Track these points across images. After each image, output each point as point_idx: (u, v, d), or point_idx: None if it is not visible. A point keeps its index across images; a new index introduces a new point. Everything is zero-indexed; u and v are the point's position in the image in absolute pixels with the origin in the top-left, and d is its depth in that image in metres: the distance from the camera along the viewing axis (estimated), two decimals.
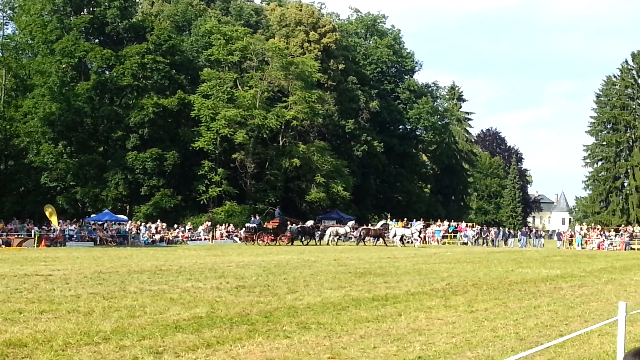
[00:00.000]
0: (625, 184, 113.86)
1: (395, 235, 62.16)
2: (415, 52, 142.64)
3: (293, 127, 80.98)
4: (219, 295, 19.28)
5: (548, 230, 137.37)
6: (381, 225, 65.16)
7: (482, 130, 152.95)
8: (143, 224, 64.62)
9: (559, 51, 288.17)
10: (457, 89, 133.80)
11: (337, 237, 62.84)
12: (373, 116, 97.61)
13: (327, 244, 61.06)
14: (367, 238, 62.02)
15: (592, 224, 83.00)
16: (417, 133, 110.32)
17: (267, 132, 76.79)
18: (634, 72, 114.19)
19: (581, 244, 66.34)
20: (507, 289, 22.75)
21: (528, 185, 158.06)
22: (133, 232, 60.78)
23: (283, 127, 79.48)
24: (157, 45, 75.62)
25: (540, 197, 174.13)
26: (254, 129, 75.57)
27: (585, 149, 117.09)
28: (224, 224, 69.15)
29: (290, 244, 58.50)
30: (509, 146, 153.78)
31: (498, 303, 19.07)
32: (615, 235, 67.94)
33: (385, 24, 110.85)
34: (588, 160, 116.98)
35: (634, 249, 61.80)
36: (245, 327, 13.99)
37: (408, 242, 61.37)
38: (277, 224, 60.40)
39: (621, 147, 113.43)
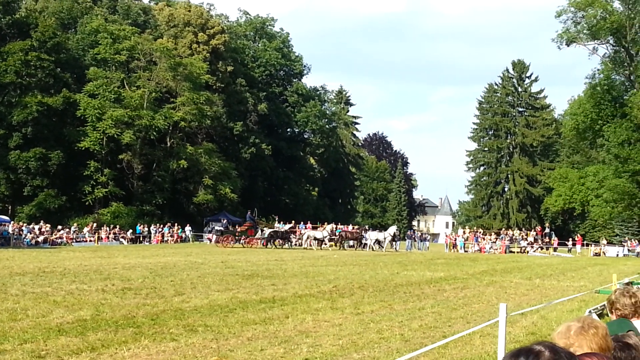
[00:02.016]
0: (506, 189, 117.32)
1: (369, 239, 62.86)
2: (304, 56, 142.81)
3: (181, 129, 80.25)
4: (104, 297, 18.99)
5: (432, 234, 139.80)
6: (358, 229, 65.44)
7: (368, 135, 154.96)
8: (26, 224, 62.90)
9: (443, 58, 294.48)
10: (344, 93, 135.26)
11: (315, 241, 62.28)
12: (261, 119, 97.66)
13: (304, 248, 60.58)
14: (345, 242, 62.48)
15: (475, 228, 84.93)
16: (305, 136, 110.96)
17: (155, 133, 75.93)
18: (514, 80, 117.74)
19: (464, 247, 67.86)
20: (392, 291, 23.11)
21: (413, 189, 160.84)
22: (15, 234, 59.05)
23: (171, 128, 78.72)
24: (42, 42, 73.70)
25: (425, 201, 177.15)
26: (141, 130, 74.59)
27: (468, 154, 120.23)
28: (110, 226, 67.95)
29: (265, 247, 59.01)
30: (395, 150, 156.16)
31: (384, 305, 19.35)
32: (496, 239, 69.76)
33: (274, 27, 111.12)
34: (471, 166, 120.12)
35: (513, 252, 63.53)
36: (131, 330, 13.83)
37: (381, 246, 61.80)
38: (246, 227, 60.93)
39: (502, 153, 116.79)
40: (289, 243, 62.94)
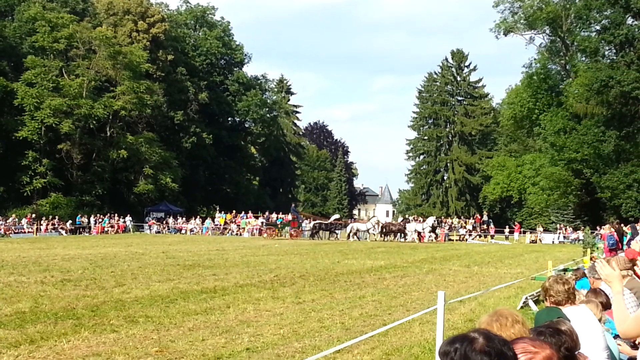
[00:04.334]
0: (445, 178, 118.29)
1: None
2: (245, 45, 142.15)
3: (121, 118, 79.45)
4: (43, 289, 18.89)
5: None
6: (401, 221, 64.93)
7: (309, 124, 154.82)
8: None
9: (384, 48, 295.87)
10: (285, 82, 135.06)
11: (358, 232, 62.00)
12: (202, 108, 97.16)
13: (348, 239, 60.31)
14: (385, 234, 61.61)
15: (414, 216, 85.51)
16: (246, 125, 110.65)
17: (95, 122, 74.97)
18: (453, 69, 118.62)
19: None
20: (333, 280, 23.32)
21: (354, 178, 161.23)
22: None
23: (111, 117, 77.80)
24: None
25: (366, 189, 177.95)
26: (80, 119, 73.59)
27: (408, 143, 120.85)
28: (49, 216, 67.05)
29: (312, 239, 59.71)
30: (336, 139, 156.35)
31: (324, 294, 19.54)
32: (437, 228, 70.32)
33: (214, 15, 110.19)
34: (411, 154, 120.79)
35: (452, 240, 64.22)
36: (71, 322, 13.82)
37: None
38: (290, 219, 62.93)
39: (441, 142, 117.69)
40: (335, 235, 62.71)
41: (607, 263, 5.93)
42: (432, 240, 61.26)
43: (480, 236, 70.13)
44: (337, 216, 68.34)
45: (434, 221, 64.21)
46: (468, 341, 2.99)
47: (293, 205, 64.99)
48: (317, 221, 65.81)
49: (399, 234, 61.62)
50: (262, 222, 69.87)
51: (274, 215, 72.07)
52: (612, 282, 5.69)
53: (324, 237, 61.87)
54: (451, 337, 3.09)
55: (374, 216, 69.20)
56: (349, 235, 61.88)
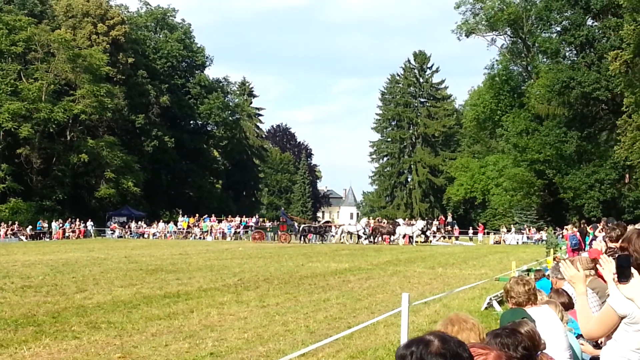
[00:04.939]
0: (409, 179, 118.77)
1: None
2: (206, 47, 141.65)
3: (81, 122, 78.71)
4: (2, 296, 18.62)
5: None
6: (391, 223, 64.51)
7: (272, 126, 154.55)
8: None
9: (346, 50, 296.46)
10: (247, 84, 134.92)
11: (348, 234, 61.60)
12: (164, 111, 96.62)
13: (341, 242, 60.00)
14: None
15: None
16: (208, 128, 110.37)
17: (54, 126, 74.25)
18: (415, 71, 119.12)
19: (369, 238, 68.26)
20: (297, 283, 23.22)
21: (318, 181, 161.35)
22: None
23: (71, 121, 77.10)
24: None
25: (330, 192, 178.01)
26: (39, 123, 72.80)
27: (372, 145, 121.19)
28: (8, 222, 66.23)
29: (303, 242, 59.51)
30: (299, 142, 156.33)
31: (289, 297, 19.43)
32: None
33: (175, 17, 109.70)
34: (374, 156, 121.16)
35: (417, 242, 64.41)
36: (32, 329, 13.60)
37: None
38: (279, 223, 62.93)
39: (405, 144, 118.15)
40: (322, 238, 62.34)
41: (571, 264, 5.87)
42: (417, 243, 60.68)
43: (444, 237, 70.32)
44: (327, 219, 68.46)
45: (424, 225, 64.10)
46: (424, 344, 3.00)
47: (282, 208, 64.94)
48: (307, 224, 65.81)
49: (389, 236, 61.51)
50: (251, 226, 69.84)
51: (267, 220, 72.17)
52: (576, 283, 5.66)
53: (313, 241, 61.73)
54: (407, 341, 3.08)
55: (363, 218, 69.03)
56: (339, 237, 61.85)
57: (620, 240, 6.07)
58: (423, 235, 62.79)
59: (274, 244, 57.42)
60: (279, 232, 61.54)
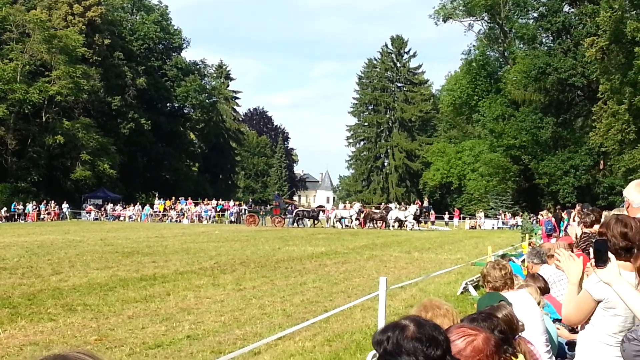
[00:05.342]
0: (386, 164, 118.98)
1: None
2: (183, 29, 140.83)
3: (57, 103, 78.11)
4: None
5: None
6: (383, 208, 64.25)
7: (249, 110, 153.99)
8: None
9: (323, 34, 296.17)
10: (224, 67, 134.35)
11: (341, 219, 61.39)
12: (140, 93, 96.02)
13: (333, 227, 59.95)
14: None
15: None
16: (185, 111, 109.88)
17: (29, 107, 73.70)
18: (393, 55, 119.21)
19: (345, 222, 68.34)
20: (274, 267, 23.24)
21: (294, 165, 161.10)
22: None
23: (46, 102, 76.54)
24: None
25: (306, 176, 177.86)
26: (14, 104, 72.25)
27: (349, 129, 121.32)
28: None
29: (297, 226, 59.62)
30: (276, 125, 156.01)
31: (265, 281, 19.45)
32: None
33: None
34: (351, 140, 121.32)
35: (393, 227, 64.54)
36: (7, 311, 13.54)
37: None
38: (272, 207, 63.16)
39: (382, 128, 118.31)
40: (314, 222, 62.29)
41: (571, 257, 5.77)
42: (413, 228, 60.34)
43: (420, 222, 70.44)
44: (321, 204, 68.59)
45: (417, 209, 63.87)
46: (400, 329, 3.03)
47: (276, 192, 64.90)
48: (300, 209, 65.88)
49: (380, 221, 61.36)
50: (244, 209, 69.71)
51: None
52: (572, 274, 5.60)
53: (308, 225, 61.64)
54: (383, 326, 3.10)
55: (356, 203, 68.87)
56: (333, 222, 61.90)
57: (599, 226, 6.10)
58: (415, 222, 62.53)
59: (268, 227, 57.41)
60: (273, 216, 61.56)
